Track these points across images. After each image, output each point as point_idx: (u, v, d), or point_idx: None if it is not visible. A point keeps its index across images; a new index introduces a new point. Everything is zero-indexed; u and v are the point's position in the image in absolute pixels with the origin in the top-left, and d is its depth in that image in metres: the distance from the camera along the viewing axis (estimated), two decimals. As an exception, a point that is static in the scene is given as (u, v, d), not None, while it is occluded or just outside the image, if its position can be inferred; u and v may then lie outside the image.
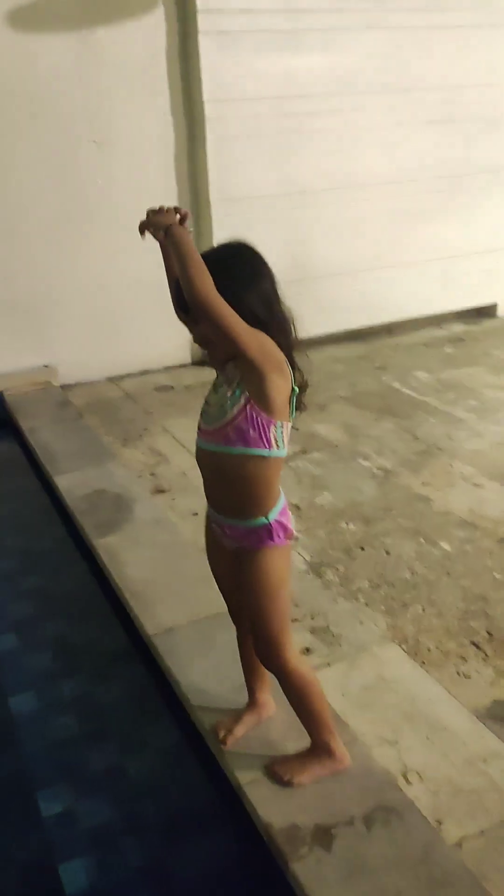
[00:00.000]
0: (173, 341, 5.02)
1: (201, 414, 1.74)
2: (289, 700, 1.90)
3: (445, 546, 2.86)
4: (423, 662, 2.28)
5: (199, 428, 1.74)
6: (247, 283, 1.59)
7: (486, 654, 2.30)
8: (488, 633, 2.39)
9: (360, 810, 1.76)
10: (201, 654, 2.31)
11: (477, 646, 2.34)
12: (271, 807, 1.79)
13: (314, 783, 1.84)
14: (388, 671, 2.24)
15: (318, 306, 5.12)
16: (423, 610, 2.51)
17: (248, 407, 1.61)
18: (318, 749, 1.89)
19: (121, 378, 4.88)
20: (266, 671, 1.99)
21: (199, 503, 3.23)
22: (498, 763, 1.91)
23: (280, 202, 4.81)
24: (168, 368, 4.99)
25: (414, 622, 2.46)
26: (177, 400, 4.46)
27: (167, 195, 4.67)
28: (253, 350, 1.56)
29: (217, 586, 2.00)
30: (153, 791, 2.13)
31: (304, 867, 1.63)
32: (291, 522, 1.79)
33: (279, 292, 1.66)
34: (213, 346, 1.64)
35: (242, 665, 2.07)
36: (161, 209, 1.63)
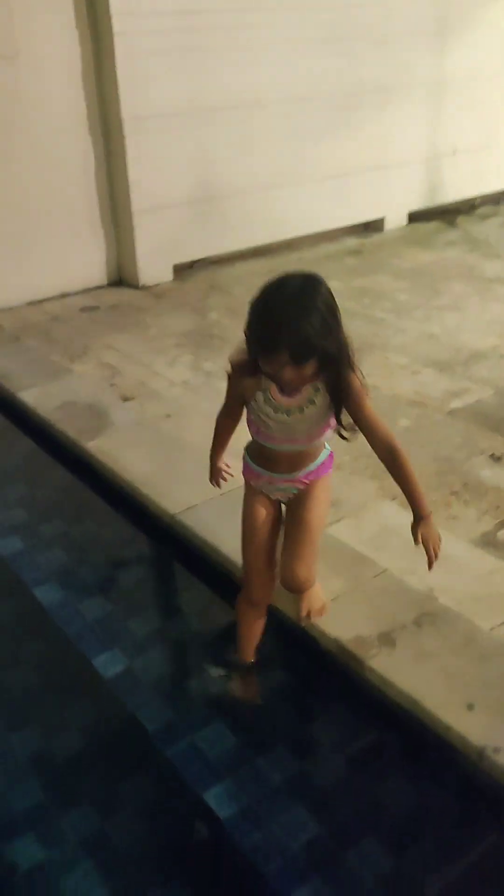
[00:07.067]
0: (89, 262, 5.06)
1: (271, 429, 1.94)
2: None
3: (405, 422, 3.24)
4: (417, 511, 2.65)
5: (272, 438, 1.97)
6: (340, 322, 1.79)
7: (467, 500, 2.71)
8: (463, 483, 2.80)
9: (408, 617, 2.12)
10: (229, 522, 2.55)
11: (456, 494, 2.74)
12: (335, 625, 2.11)
13: (363, 604, 2.18)
14: (390, 521, 2.60)
15: (225, 224, 5.30)
16: (403, 472, 2.88)
17: (331, 420, 1.95)
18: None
19: (40, 302, 4.87)
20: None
21: (168, 407, 3.45)
22: (500, 575, 2.33)
23: (187, 121, 4.89)
24: (87, 290, 5.03)
25: (398, 482, 2.82)
26: (106, 319, 4.55)
27: (76, 111, 4.65)
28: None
29: (254, 547, 2.14)
30: (198, 644, 2.39)
31: (380, 662, 1.98)
32: None
33: None
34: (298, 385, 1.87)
35: (244, 637, 2.18)
36: None
